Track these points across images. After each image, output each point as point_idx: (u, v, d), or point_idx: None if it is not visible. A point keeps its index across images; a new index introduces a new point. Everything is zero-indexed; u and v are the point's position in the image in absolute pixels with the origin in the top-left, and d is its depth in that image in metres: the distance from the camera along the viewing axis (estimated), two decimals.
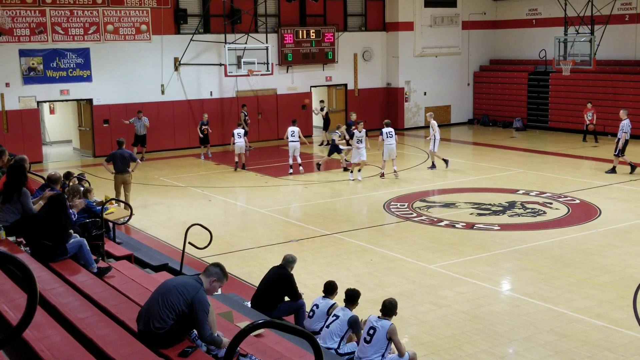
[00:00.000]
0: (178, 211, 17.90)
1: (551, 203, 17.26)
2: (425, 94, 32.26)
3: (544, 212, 16.35)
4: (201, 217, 16.75)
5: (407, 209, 17.11)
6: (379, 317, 7.95)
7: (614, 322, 10.07)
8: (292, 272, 9.47)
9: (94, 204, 11.05)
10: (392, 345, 7.84)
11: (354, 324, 8.27)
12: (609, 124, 27.94)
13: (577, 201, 17.48)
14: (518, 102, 31.74)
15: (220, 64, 26.91)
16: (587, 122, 26.49)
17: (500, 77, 32.69)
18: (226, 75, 26.38)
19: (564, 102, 29.24)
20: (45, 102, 26.38)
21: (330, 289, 9.05)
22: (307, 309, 9.23)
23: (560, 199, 17.58)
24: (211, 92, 27.85)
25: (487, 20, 33.43)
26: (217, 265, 6.39)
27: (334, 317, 8.41)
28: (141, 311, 6.28)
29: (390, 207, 17.38)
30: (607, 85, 28.00)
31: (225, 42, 26.28)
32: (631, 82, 27.23)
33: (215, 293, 9.19)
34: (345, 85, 31.25)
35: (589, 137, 26.71)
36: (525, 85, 31.48)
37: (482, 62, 33.82)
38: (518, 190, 18.66)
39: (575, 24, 26.64)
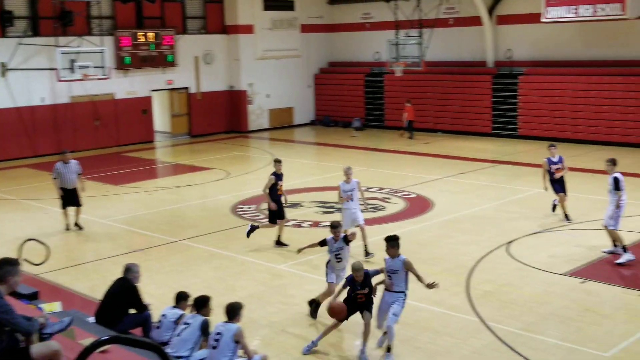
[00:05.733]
0: (10, 226, 16.80)
1: (390, 198, 18.09)
2: (268, 96, 32.58)
3: (384, 207, 17.09)
4: (37, 231, 15.85)
5: (255, 212, 17.22)
6: (225, 322, 7.96)
7: (451, 308, 10.75)
8: (137, 282, 9.23)
9: None
10: (241, 350, 7.87)
11: (205, 328, 8.22)
12: (440, 121, 29.77)
13: (414, 195, 18.45)
14: (356, 103, 32.92)
15: (52, 69, 25.59)
16: (405, 120, 28.32)
17: (339, 79, 33.74)
18: (59, 80, 25.13)
19: (398, 101, 30.67)
20: None
21: (180, 298, 8.93)
22: (155, 319, 9.05)
23: (398, 194, 18.46)
24: (43, 98, 26.40)
25: (324, 23, 34.33)
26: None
27: (185, 325, 8.31)
28: None
29: (237, 210, 17.42)
30: (437, 85, 29.76)
31: (57, 46, 25.03)
32: (457, 82, 29.13)
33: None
34: (187, 88, 30.84)
35: (415, 132, 28.49)
36: (363, 86, 32.71)
37: (322, 65, 34.71)
38: None
39: (406, 27, 28.06)
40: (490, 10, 28.34)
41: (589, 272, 12.19)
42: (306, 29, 33.54)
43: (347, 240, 10.49)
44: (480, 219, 15.91)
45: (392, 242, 9.27)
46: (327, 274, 10.46)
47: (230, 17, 31.49)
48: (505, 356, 9.12)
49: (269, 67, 32.39)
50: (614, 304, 10.74)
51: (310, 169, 23.39)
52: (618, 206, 12.31)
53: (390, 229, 14.39)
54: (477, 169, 21.75)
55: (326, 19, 34.45)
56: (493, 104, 28.22)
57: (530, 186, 18.92)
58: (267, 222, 14.27)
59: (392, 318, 9.06)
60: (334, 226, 10.57)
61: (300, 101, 33.97)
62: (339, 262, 10.41)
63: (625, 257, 12.33)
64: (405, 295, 9.22)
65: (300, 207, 17.54)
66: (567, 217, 15.31)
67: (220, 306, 8.33)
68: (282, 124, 33.35)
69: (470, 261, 12.86)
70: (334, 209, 17.21)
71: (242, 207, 17.66)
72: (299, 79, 33.76)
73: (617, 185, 12.30)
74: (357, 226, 13.13)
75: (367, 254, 13.01)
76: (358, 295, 9.15)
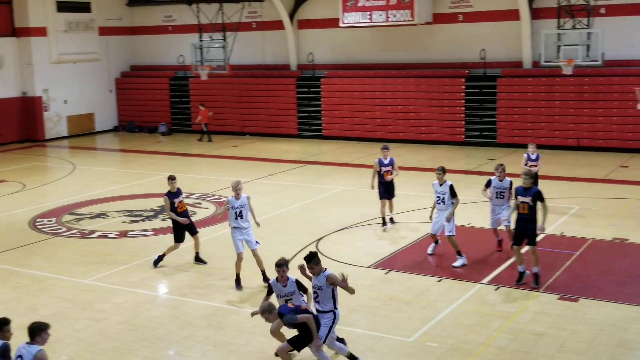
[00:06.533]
0: None
1: (200, 203, 17.93)
2: (66, 102, 30.89)
3: (195, 213, 16.89)
4: None
5: (56, 224, 16.27)
6: (27, 342, 7.45)
7: None
8: None
9: None
10: None
11: (4, 352, 7.60)
12: (247, 124, 30.04)
13: (224, 199, 18.41)
14: (162, 107, 32.27)
15: None
16: (202, 123, 28.60)
17: (142, 83, 32.84)
18: None
19: (207, 105, 30.49)
20: None
21: None
22: None
23: (208, 199, 18.36)
24: None
25: (124, 26, 33.24)
26: None
27: None
28: None
29: (37, 224, 16.34)
30: (243, 88, 30.00)
31: None
32: (263, 85, 29.59)
33: None
34: None
35: (211, 135, 28.83)
36: (168, 90, 32.12)
37: (123, 69, 33.56)
38: None
39: (209, 31, 27.96)
40: (292, 15, 29.08)
41: (391, 263, 12.96)
42: (105, 31, 32.25)
43: (300, 286, 8.90)
44: (290, 218, 16.29)
45: (312, 260, 8.43)
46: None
47: (20, 19, 29.41)
48: None
49: (66, 71, 30.70)
50: (414, 292, 11.49)
51: (115, 177, 22.55)
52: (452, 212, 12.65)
53: (204, 233, 14.26)
54: (286, 170, 22.24)
55: (126, 21, 33.37)
56: (298, 106, 28.99)
57: (336, 184, 19.70)
58: (173, 244, 13.09)
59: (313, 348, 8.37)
60: (279, 264, 8.85)
61: (101, 107, 32.58)
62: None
63: (460, 261, 12.69)
64: (334, 315, 8.47)
65: (107, 217, 16.85)
66: (384, 221, 15.14)
67: (22, 328, 7.77)
68: (82, 131, 31.78)
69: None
70: (142, 217, 16.74)
71: (41, 221, 16.60)
72: (99, 84, 32.38)
73: (453, 192, 12.76)
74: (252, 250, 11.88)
75: (265, 279, 11.67)
76: None
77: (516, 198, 11.49)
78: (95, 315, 10.80)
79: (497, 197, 13.05)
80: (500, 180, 12.99)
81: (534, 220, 11.34)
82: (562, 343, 9.39)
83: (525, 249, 11.57)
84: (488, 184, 13.11)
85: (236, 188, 11.88)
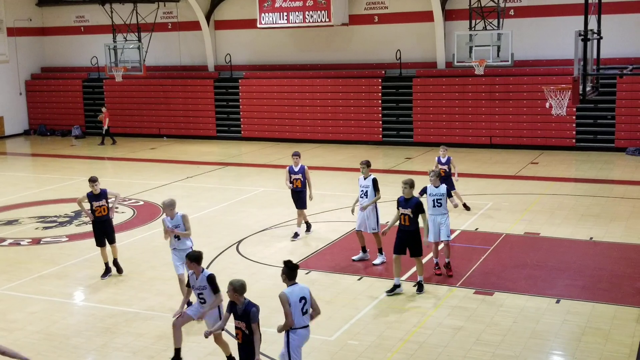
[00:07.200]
0: None
1: (117, 207, 17.49)
2: None
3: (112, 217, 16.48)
4: None
5: None
6: None
7: None
8: None
9: None
10: None
11: None
12: (164, 126, 29.55)
13: (141, 202, 18.10)
14: (75, 110, 31.34)
15: None
16: (106, 126, 27.96)
17: (54, 85, 31.81)
18: None
19: (120, 107, 29.86)
20: None
21: None
22: None
23: (125, 202, 17.95)
24: None
25: (34, 27, 32.11)
26: None
27: None
28: None
29: None
30: (159, 89, 29.51)
31: None
32: (180, 87, 29.18)
33: None
34: None
35: (107, 138, 28.29)
36: (81, 93, 31.22)
37: (34, 70, 32.42)
38: None
39: (124, 31, 27.35)
40: (208, 16, 28.80)
41: (311, 263, 13.03)
42: (13, 32, 31.06)
43: (211, 281, 8.61)
44: (210, 220, 16.14)
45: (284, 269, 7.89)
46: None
47: None
48: None
49: None
50: (335, 290, 11.59)
51: (27, 182, 21.75)
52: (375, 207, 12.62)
53: (120, 238, 13.95)
54: (204, 172, 22.01)
55: (36, 21, 32.23)
56: (216, 108, 28.74)
57: (255, 185, 19.65)
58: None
59: None
60: (190, 258, 8.64)
61: (10, 110, 31.36)
62: (202, 303, 8.71)
63: (380, 259, 12.71)
64: (288, 336, 7.80)
65: (18, 224, 16.25)
66: (296, 234, 14.60)
67: None
68: None
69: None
70: (56, 223, 16.24)
71: None
72: (7, 86, 31.17)
73: (376, 186, 12.65)
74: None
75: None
76: (235, 330, 7.60)
77: (398, 209, 11.21)
78: (8, 325, 10.41)
79: (433, 206, 11.94)
80: (436, 187, 11.98)
81: (417, 232, 11.16)
82: (479, 336, 9.69)
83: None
84: (423, 191, 12.05)
85: (168, 206, 10.80)
